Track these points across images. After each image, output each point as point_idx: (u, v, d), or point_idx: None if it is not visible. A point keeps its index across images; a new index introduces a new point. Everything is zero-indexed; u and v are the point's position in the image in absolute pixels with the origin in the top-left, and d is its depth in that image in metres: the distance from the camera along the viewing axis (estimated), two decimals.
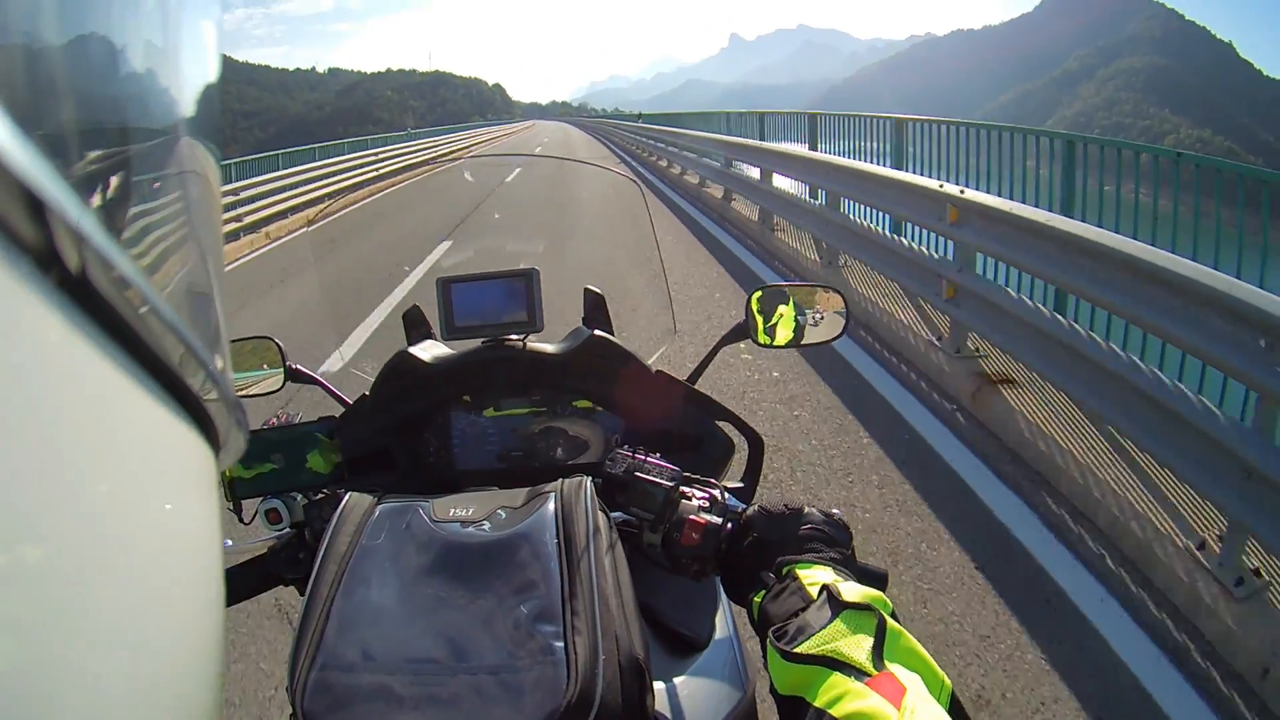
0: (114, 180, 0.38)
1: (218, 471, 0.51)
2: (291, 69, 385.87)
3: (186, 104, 0.46)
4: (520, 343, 1.56)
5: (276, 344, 1.63)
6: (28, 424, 0.29)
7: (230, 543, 1.33)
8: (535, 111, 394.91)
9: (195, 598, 0.44)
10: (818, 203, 8.15)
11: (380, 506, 1.00)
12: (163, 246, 0.43)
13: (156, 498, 0.40)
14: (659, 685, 1.21)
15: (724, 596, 1.36)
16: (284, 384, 1.63)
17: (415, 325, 1.68)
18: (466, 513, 0.97)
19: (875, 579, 0.94)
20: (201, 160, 0.49)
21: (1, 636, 0.27)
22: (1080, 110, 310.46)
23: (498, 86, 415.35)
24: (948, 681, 0.74)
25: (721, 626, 1.39)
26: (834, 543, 0.98)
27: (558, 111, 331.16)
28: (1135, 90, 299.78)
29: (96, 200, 0.35)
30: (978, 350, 5.13)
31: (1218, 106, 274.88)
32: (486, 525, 0.95)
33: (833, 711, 0.70)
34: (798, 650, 0.76)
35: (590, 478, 1.03)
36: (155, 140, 0.43)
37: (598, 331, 1.56)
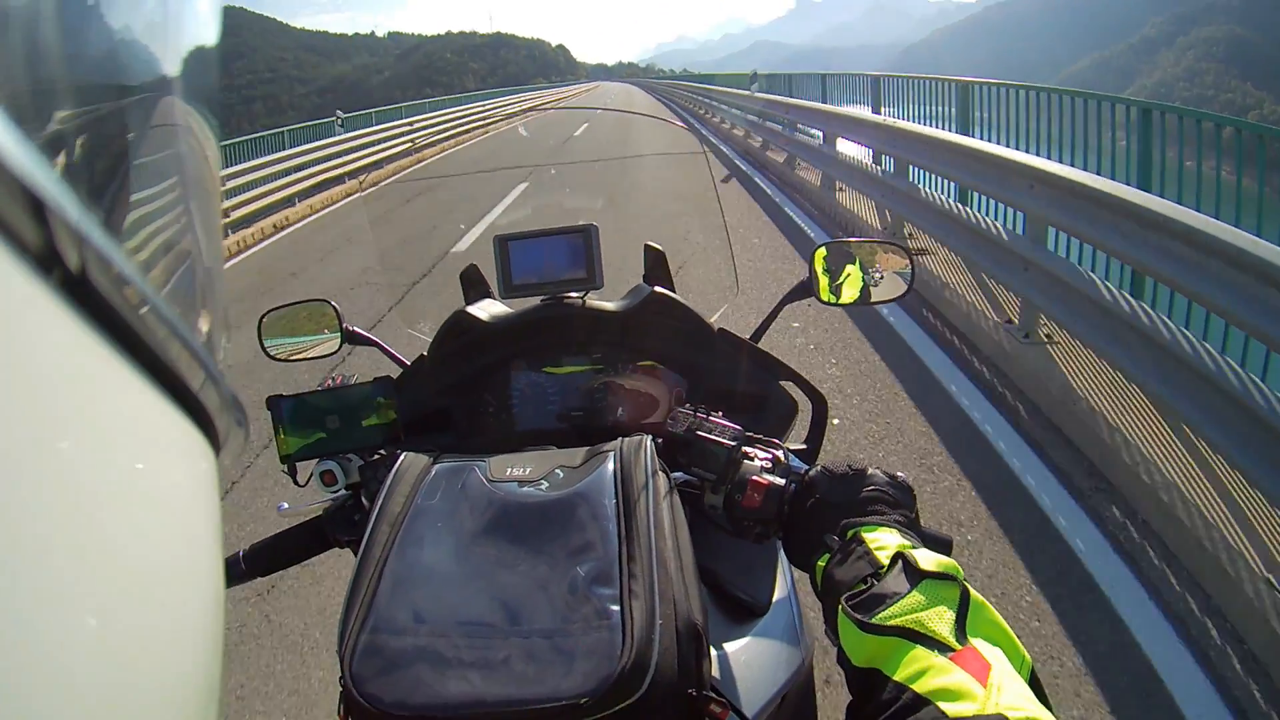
0: (113, 179, 0.38)
1: (218, 470, 0.51)
2: (351, 34, 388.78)
3: (186, 104, 0.47)
4: (580, 300, 1.56)
5: (333, 306, 1.63)
6: (27, 423, 0.29)
7: (286, 505, 1.34)
8: (601, 73, 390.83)
9: (195, 596, 0.43)
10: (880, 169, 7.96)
11: (436, 466, 0.99)
12: (163, 244, 0.44)
13: (156, 496, 0.40)
14: (715, 651, 1.19)
15: (784, 561, 1.38)
16: (340, 345, 1.63)
17: (473, 284, 1.68)
18: (524, 472, 0.97)
19: (940, 544, 0.92)
20: (201, 160, 0.50)
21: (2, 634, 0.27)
22: (1160, 80, 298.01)
23: (561, 47, 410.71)
24: (1028, 657, 0.72)
25: (781, 592, 1.36)
26: (898, 505, 0.95)
27: (623, 73, 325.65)
28: (1216, 60, 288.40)
29: (96, 198, 0.35)
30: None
31: None
32: (544, 485, 0.94)
33: (915, 687, 0.67)
34: (875, 621, 0.74)
35: (651, 437, 1.02)
36: (155, 140, 0.44)
37: (658, 288, 1.55)
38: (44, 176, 0.27)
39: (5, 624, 0.27)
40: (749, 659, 1.23)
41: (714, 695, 0.83)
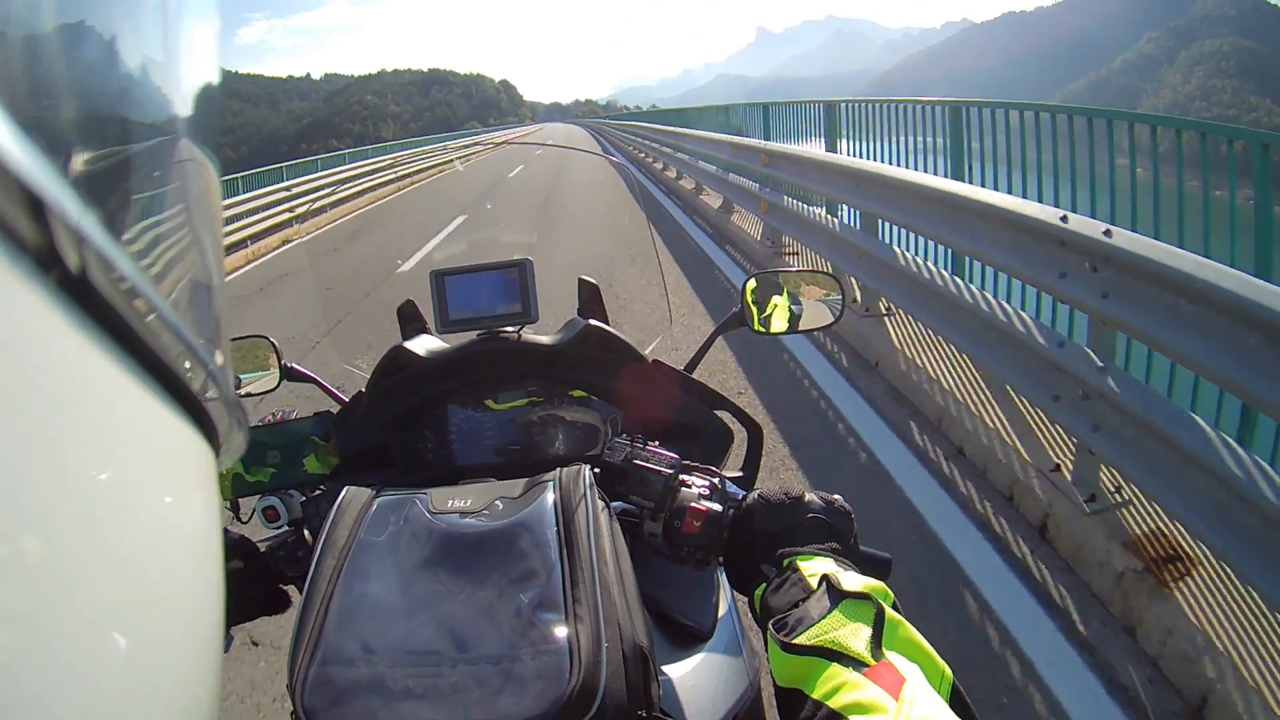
0: (114, 180, 0.41)
1: (218, 470, 0.56)
2: (284, 76, 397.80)
3: (186, 105, 0.50)
4: (515, 334, 1.70)
5: (272, 343, 1.80)
6: (28, 423, 0.32)
7: None
8: (555, 112, 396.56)
9: (195, 594, 0.48)
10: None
11: (378, 500, 1.07)
12: (163, 246, 0.47)
13: (156, 496, 0.44)
14: (664, 676, 1.29)
15: (728, 586, 1.53)
16: (280, 383, 1.79)
17: (410, 320, 1.82)
18: (465, 504, 1.05)
19: (879, 565, 1.09)
20: (201, 161, 0.54)
21: (3, 631, 0.30)
22: (1172, 101, 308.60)
23: (504, 84, 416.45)
24: (948, 672, 0.80)
25: (726, 617, 1.47)
26: (835, 531, 1.07)
27: (579, 111, 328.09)
28: (1228, 76, 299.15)
29: (96, 200, 0.36)
30: None
31: None
32: (485, 515, 1.02)
33: (830, 703, 0.75)
34: (796, 641, 0.82)
35: (589, 466, 1.10)
36: (155, 141, 0.48)
37: (593, 321, 1.68)
38: (44, 176, 0.30)
39: (6, 620, 0.30)
40: (696, 683, 1.33)
41: (663, 717, 0.93)
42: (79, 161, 0.36)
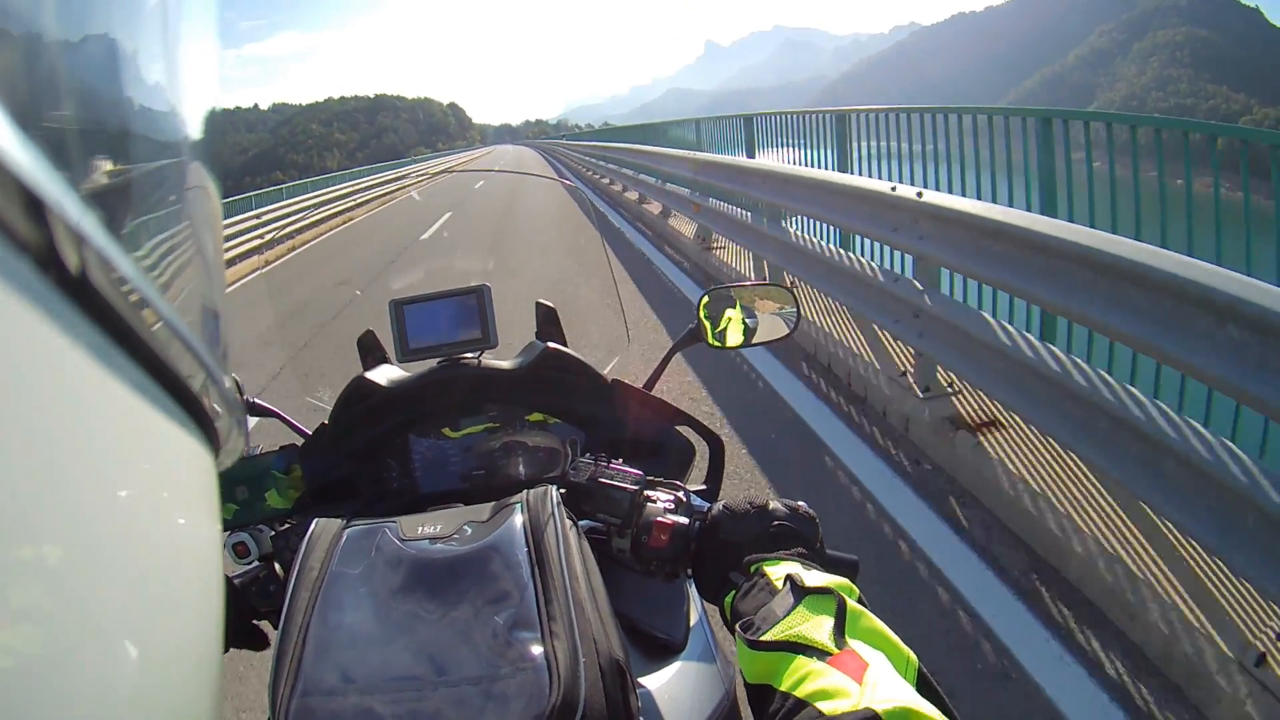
0: (114, 181, 0.42)
1: (218, 471, 0.57)
2: (232, 107, 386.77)
3: (187, 118, 0.53)
4: (475, 360, 1.71)
5: (234, 378, 1.67)
6: (28, 423, 0.32)
7: None
8: (505, 134, 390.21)
9: (196, 593, 0.49)
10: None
11: (348, 530, 1.08)
12: (163, 248, 0.48)
13: (156, 495, 0.45)
14: (641, 688, 1.32)
15: (698, 598, 1.53)
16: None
17: (370, 350, 1.84)
18: (434, 530, 1.06)
19: (846, 566, 1.10)
20: (200, 170, 0.56)
21: (5, 632, 0.30)
22: (1128, 93, 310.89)
23: (452, 107, 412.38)
24: (913, 657, 0.83)
25: (698, 628, 1.50)
26: (799, 536, 1.09)
27: (528, 133, 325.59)
28: (1183, 66, 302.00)
29: (96, 201, 0.37)
30: None
31: (1268, 80, 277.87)
32: (455, 540, 1.04)
33: (796, 693, 0.77)
34: (762, 639, 0.85)
35: (555, 486, 1.13)
36: (156, 142, 0.49)
37: (551, 344, 1.72)
38: (44, 176, 0.30)
39: (7, 620, 0.30)
40: (673, 693, 1.36)
41: None
42: (79, 162, 0.37)
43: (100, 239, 0.35)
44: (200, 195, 0.55)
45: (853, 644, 0.80)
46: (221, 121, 0.58)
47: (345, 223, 25.15)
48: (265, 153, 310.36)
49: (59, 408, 0.34)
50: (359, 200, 29.84)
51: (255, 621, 1.41)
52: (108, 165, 0.40)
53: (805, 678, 0.77)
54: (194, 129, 0.53)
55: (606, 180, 22.87)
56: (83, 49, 0.39)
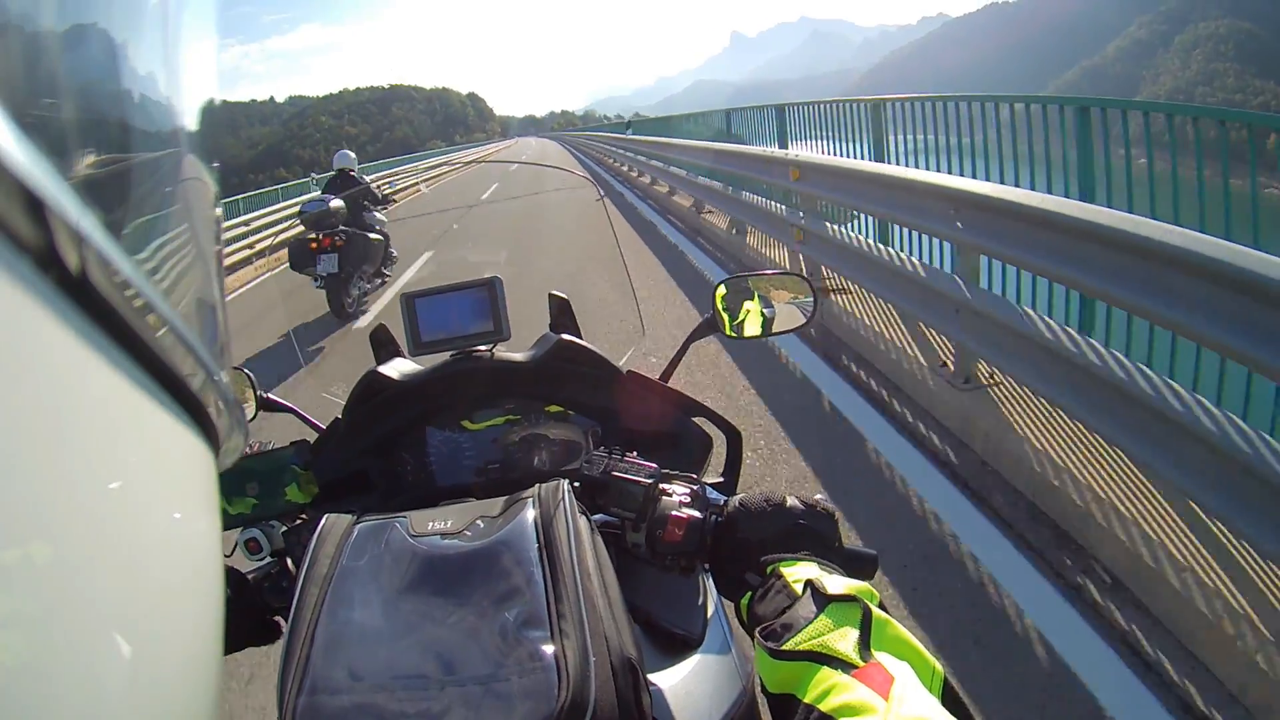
0: (114, 181, 0.42)
1: (218, 470, 0.57)
2: (247, 100, 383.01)
3: (187, 118, 0.53)
4: (488, 353, 1.77)
5: (248, 374, 1.79)
6: (28, 422, 0.33)
7: None
8: (529, 126, 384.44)
9: (196, 593, 0.50)
10: None
11: (358, 526, 1.09)
12: (163, 248, 0.49)
13: (155, 494, 0.46)
14: (655, 686, 1.32)
15: (715, 591, 1.53)
16: (256, 414, 1.81)
17: (383, 344, 1.90)
18: (445, 525, 1.07)
19: (865, 562, 1.11)
20: (199, 170, 0.56)
21: (5, 631, 0.31)
22: (1173, 87, 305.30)
23: (471, 97, 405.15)
24: (939, 668, 0.83)
25: (715, 623, 1.50)
26: (818, 533, 1.09)
27: (554, 124, 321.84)
28: (1228, 60, 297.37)
29: (96, 201, 0.37)
30: None
31: None
32: (466, 535, 1.04)
33: (821, 706, 0.78)
34: (785, 648, 0.85)
35: (568, 480, 1.12)
36: (156, 142, 0.49)
37: (565, 336, 1.76)
38: (44, 176, 0.31)
39: (8, 619, 0.31)
40: (689, 690, 1.35)
41: None
42: (79, 164, 0.37)
43: (100, 239, 0.35)
44: (199, 192, 0.56)
45: (878, 656, 0.81)
46: (222, 115, 0.55)
47: None
48: (272, 148, 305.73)
49: (58, 406, 0.35)
50: None
51: (270, 617, 1.43)
52: (105, 162, 0.41)
53: (830, 690, 0.78)
54: (192, 123, 0.53)
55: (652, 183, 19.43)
56: (79, 45, 0.40)
